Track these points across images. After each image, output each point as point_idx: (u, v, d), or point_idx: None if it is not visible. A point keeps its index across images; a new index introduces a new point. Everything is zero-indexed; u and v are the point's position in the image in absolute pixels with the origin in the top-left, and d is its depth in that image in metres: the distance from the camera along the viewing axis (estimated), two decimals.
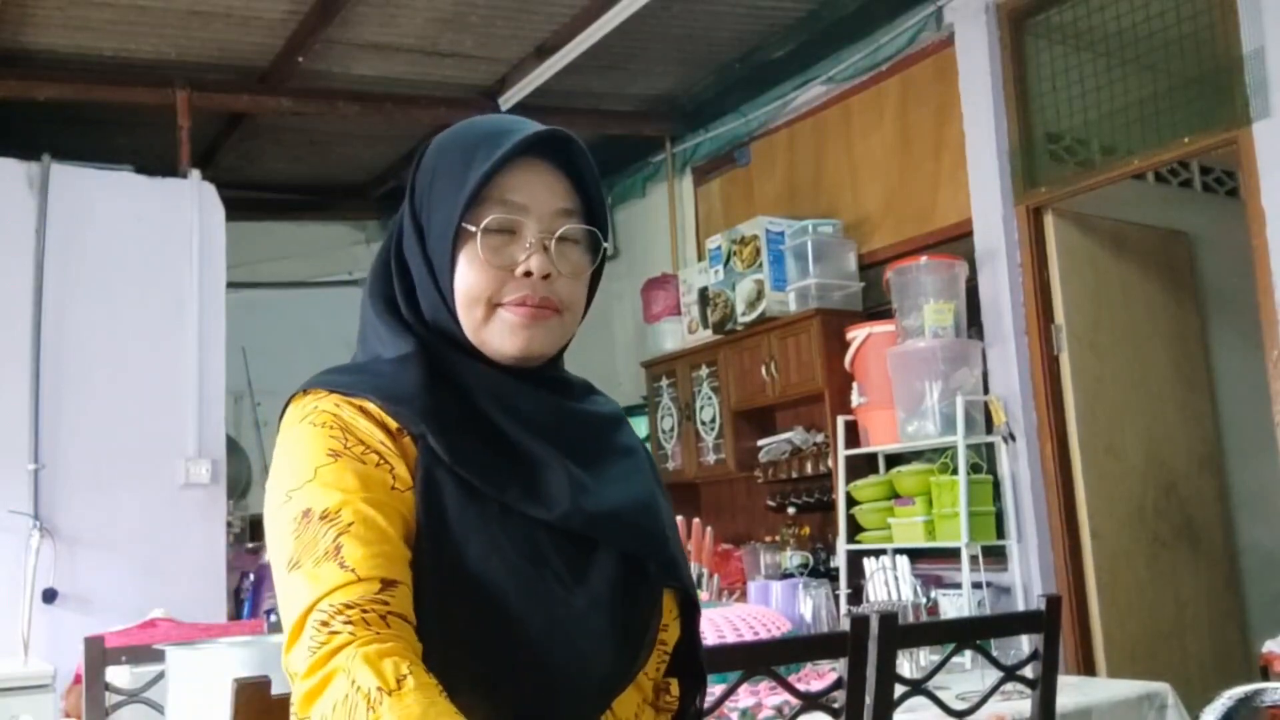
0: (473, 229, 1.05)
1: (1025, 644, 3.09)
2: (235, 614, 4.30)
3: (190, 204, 4.33)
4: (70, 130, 4.76)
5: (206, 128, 5.05)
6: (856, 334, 4.33)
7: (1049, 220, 4.03)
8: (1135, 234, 4.35)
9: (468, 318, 1.07)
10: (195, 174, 4.40)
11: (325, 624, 0.90)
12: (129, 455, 4.09)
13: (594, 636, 1.00)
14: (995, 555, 3.95)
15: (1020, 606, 3.83)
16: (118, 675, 2.30)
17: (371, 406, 1.03)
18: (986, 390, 4.06)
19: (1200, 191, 4.91)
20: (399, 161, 5.86)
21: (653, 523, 1.10)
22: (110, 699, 2.24)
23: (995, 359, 4.06)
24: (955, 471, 3.90)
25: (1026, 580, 3.90)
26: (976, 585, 3.80)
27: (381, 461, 1.00)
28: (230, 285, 4.42)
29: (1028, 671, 2.05)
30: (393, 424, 1.02)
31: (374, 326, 1.12)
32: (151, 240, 4.27)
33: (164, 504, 4.13)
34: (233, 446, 4.66)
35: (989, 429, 4.00)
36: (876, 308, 4.47)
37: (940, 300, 4.01)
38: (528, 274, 1.06)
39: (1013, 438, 3.96)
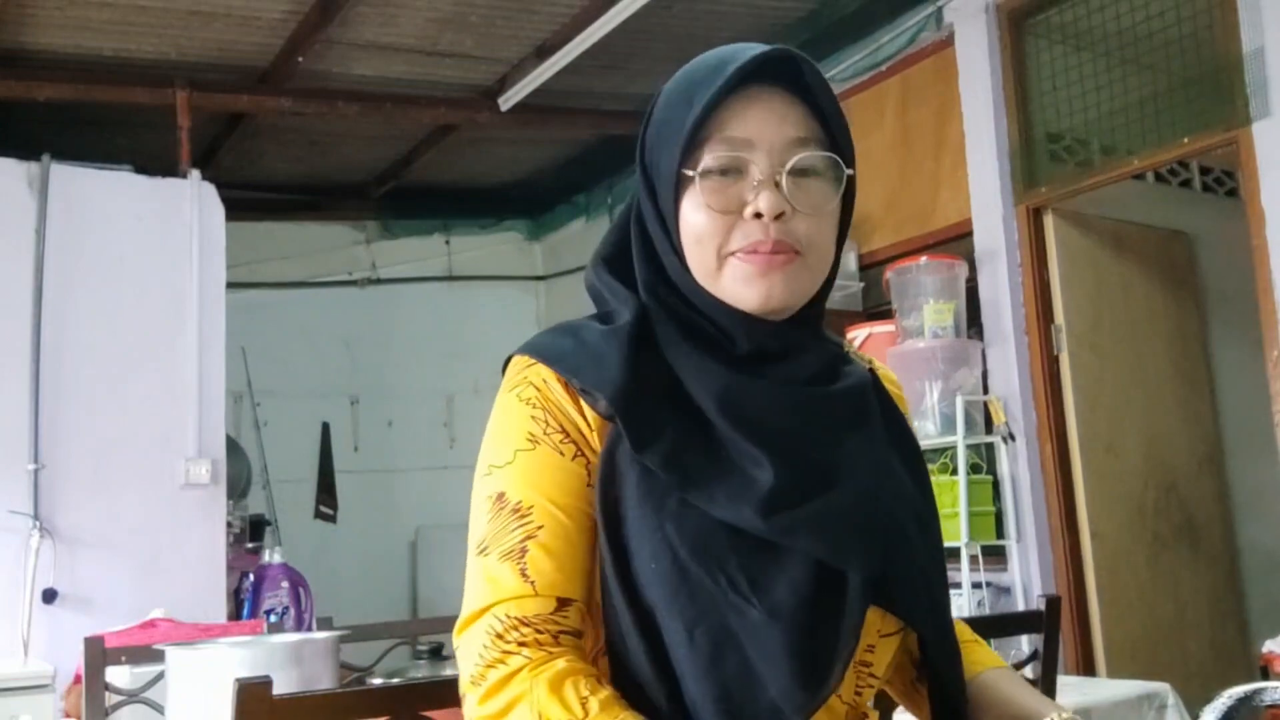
0: (690, 173, 0.96)
1: (1025, 644, 3.09)
2: (235, 614, 4.29)
3: (190, 204, 4.33)
4: (70, 130, 4.76)
5: (206, 128, 5.05)
6: (856, 334, 4.33)
7: (1049, 220, 4.03)
8: (1135, 234, 4.35)
9: (700, 270, 0.98)
10: (195, 174, 4.40)
11: (500, 637, 0.91)
12: (129, 455, 4.09)
13: (770, 655, 0.88)
14: (995, 555, 3.95)
15: (1020, 606, 3.83)
16: (118, 675, 2.29)
17: (573, 390, 0.98)
18: (986, 390, 4.06)
19: (1200, 191, 4.91)
20: (399, 161, 5.86)
21: (862, 526, 0.94)
22: (110, 699, 2.24)
23: (995, 359, 4.06)
24: (955, 471, 3.90)
25: (1026, 580, 3.90)
26: (976, 585, 3.80)
27: (579, 453, 0.96)
28: (230, 285, 4.42)
29: (1028, 671, 2.05)
30: (588, 411, 0.98)
31: (601, 288, 1.05)
32: (151, 240, 4.27)
33: (164, 504, 4.13)
34: (233, 446, 4.66)
35: (989, 429, 3.99)
36: (876, 308, 4.47)
37: (940, 300, 4.01)
38: (758, 215, 0.95)
39: (1012, 438, 3.96)
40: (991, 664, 1.10)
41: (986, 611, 3.79)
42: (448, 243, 6.56)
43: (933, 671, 1.00)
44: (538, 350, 1.01)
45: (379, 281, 6.44)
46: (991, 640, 2.59)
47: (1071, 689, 2.62)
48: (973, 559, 3.80)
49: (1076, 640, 3.83)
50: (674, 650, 0.90)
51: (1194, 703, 2.81)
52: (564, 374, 0.97)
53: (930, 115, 4.37)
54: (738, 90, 0.96)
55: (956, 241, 4.21)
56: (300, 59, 4.53)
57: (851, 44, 4.61)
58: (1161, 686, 2.69)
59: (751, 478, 0.92)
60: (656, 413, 0.94)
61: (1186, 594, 4.16)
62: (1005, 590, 3.97)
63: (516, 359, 1.02)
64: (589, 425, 0.97)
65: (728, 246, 0.96)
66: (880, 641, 0.97)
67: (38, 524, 3.89)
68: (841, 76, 4.69)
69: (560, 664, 0.90)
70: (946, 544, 3.87)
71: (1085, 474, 3.93)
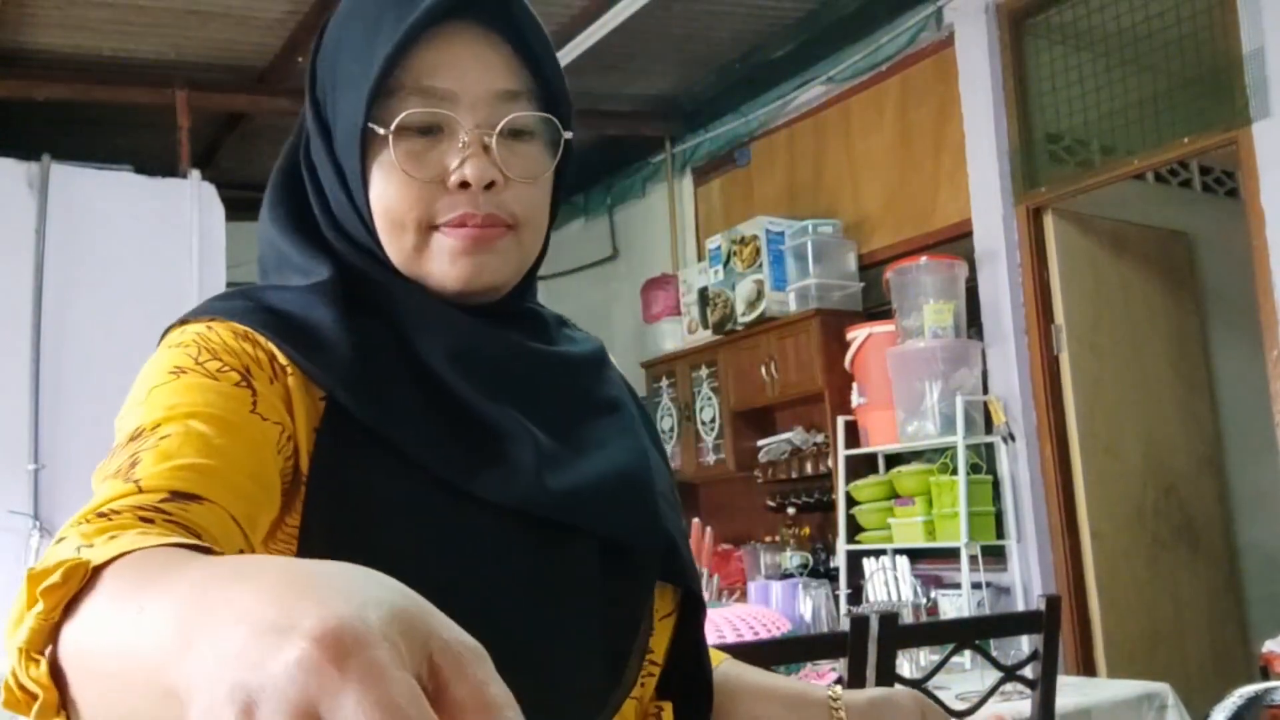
0: (382, 131, 0.79)
1: (1025, 644, 3.09)
2: None
3: (190, 204, 4.33)
4: (70, 130, 4.76)
5: (206, 128, 5.05)
6: (856, 334, 4.33)
7: (1049, 220, 4.03)
8: (1135, 234, 4.35)
9: (395, 245, 0.81)
10: (195, 174, 4.40)
11: (60, 540, 0.59)
12: None
13: (567, 654, 0.77)
14: (995, 555, 3.95)
15: (1020, 606, 3.83)
16: None
17: (261, 339, 0.77)
18: (986, 390, 4.06)
19: (1200, 191, 4.92)
20: None
21: (640, 496, 0.85)
22: None
23: (995, 359, 4.06)
24: (955, 472, 3.90)
25: (1026, 580, 3.90)
26: (976, 585, 3.80)
27: (243, 382, 0.74)
28: (230, 285, 4.42)
29: (1027, 671, 2.05)
30: (282, 360, 0.76)
31: (277, 248, 0.85)
32: (151, 240, 4.27)
33: None
34: None
35: (989, 429, 3.99)
36: (876, 308, 4.47)
37: (940, 300, 4.01)
38: (464, 185, 0.79)
39: (1012, 438, 3.96)
40: (720, 656, 1.00)
41: (986, 611, 3.78)
42: None
43: (693, 654, 0.90)
44: (212, 313, 0.80)
45: None
46: (991, 640, 2.59)
47: (1071, 689, 2.62)
48: (973, 559, 3.80)
49: (1076, 640, 3.83)
50: None
51: (1194, 703, 2.81)
52: (256, 329, 0.77)
53: (930, 115, 4.37)
54: (435, 29, 0.79)
55: (956, 241, 4.21)
56: (299, 59, 4.52)
57: (851, 44, 4.61)
58: (1161, 686, 2.69)
59: (510, 450, 0.78)
60: (386, 381, 0.78)
61: (1186, 594, 4.16)
62: (1005, 590, 3.97)
63: (180, 325, 0.81)
64: (279, 372, 0.76)
65: (431, 218, 0.80)
66: (659, 624, 0.86)
67: (38, 524, 3.89)
68: (841, 76, 4.69)
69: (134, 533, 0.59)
70: (946, 544, 3.89)
71: (1085, 474, 3.93)
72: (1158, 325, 4.33)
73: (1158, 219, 4.52)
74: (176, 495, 0.64)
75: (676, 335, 5.29)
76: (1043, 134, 4.03)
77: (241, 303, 0.80)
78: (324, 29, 0.86)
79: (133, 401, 0.75)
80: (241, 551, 0.67)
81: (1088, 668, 3.82)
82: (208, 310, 0.80)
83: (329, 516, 0.74)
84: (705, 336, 5.05)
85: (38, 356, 3.98)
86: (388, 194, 0.80)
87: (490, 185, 0.80)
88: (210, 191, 4.39)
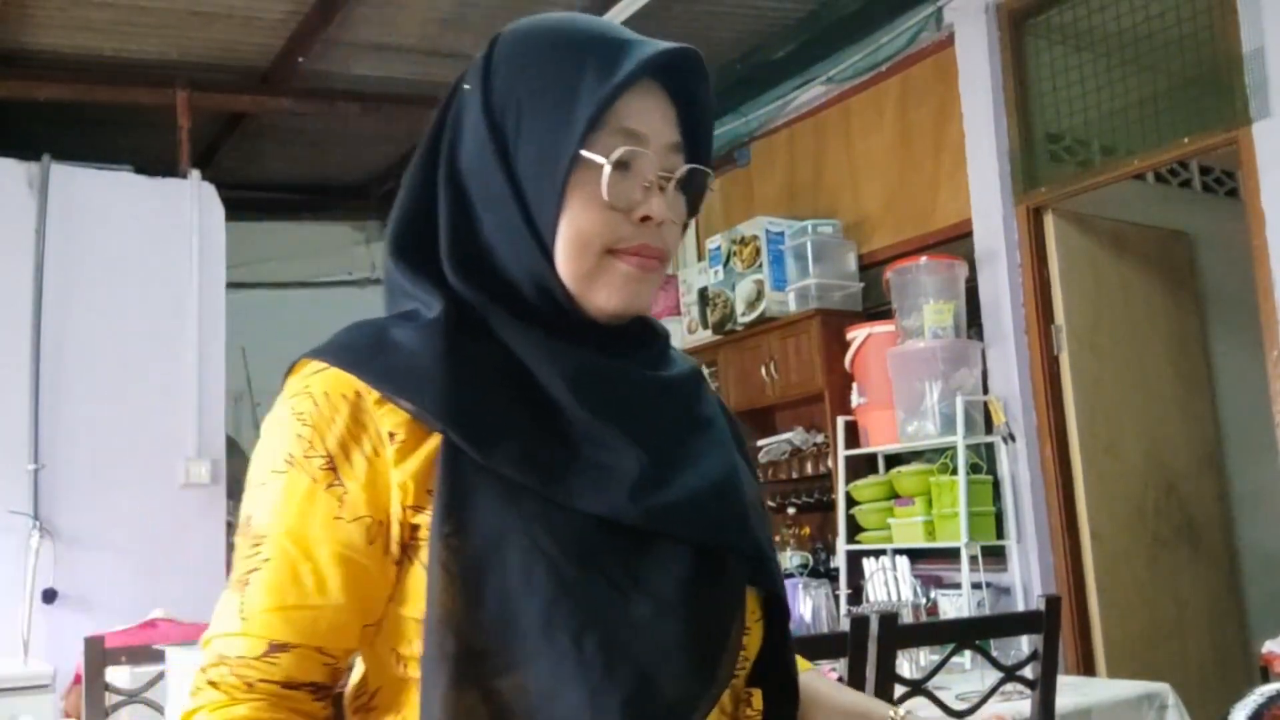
0: (600, 160, 0.88)
1: (1025, 644, 3.09)
2: None
3: (190, 204, 4.33)
4: (70, 130, 4.76)
5: (206, 128, 5.05)
6: (856, 334, 4.33)
7: (1049, 220, 4.03)
8: (1135, 234, 4.35)
9: (573, 265, 0.90)
10: (195, 174, 4.40)
11: (204, 670, 0.87)
12: (129, 455, 4.09)
13: (661, 651, 0.84)
14: (995, 555, 3.95)
15: (1020, 607, 3.83)
16: (118, 675, 2.30)
17: (371, 400, 0.87)
18: (986, 390, 4.06)
19: (1200, 191, 4.91)
20: (399, 161, 5.86)
21: (731, 507, 0.93)
22: (110, 699, 2.24)
23: (995, 359, 4.06)
24: (955, 472, 3.90)
25: (1026, 580, 3.90)
26: (976, 585, 3.80)
27: (335, 482, 0.85)
28: (230, 285, 4.42)
29: (1027, 672, 2.05)
30: (393, 419, 0.86)
31: (400, 283, 0.95)
32: (151, 240, 4.27)
33: (164, 504, 4.13)
34: (233, 446, 4.66)
35: (989, 429, 3.99)
36: (876, 308, 4.47)
37: (940, 300, 4.01)
38: (646, 218, 0.91)
39: (1012, 438, 3.96)
40: (805, 665, 1.09)
41: (986, 611, 3.78)
42: None
43: (783, 658, 0.99)
44: (335, 353, 0.90)
45: (379, 281, 6.39)
46: (991, 640, 2.59)
47: (1071, 689, 2.62)
48: (973, 559, 3.80)
49: (1076, 640, 3.83)
50: (558, 667, 0.81)
51: (1194, 703, 2.81)
52: (370, 381, 0.87)
53: (930, 115, 4.37)
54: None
55: (956, 241, 4.21)
56: (301, 59, 4.53)
57: (851, 44, 4.61)
58: (1161, 686, 2.69)
59: (613, 465, 0.87)
60: (495, 409, 0.87)
61: (1186, 594, 4.16)
62: (1005, 590, 3.96)
63: (306, 363, 0.91)
64: (380, 441, 0.86)
65: (610, 244, 0.91)
66: (754, 625, 0.95)
67: (38, 524, 3.89)
68: (841, 76, 4.69)
69: (238, 710, 0.84)
70: (946, 544, 3.89)
71: (1085, 474, 3.93)
72: (1158, 325, 4.33)
73: (1158, 219, 4.52)
74: (274, 647, 0.85)
75: (676, 335, 5.29)
76: (1043, 134, 4.03)
77: (363, 340, 0.91)
78: (491, 54, 0.94)
79: (256, 471, 0.89)
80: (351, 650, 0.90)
81: (1088, 668, 3.82)
82: (333, 350, 0.90)
83: (452, 542, 0.84)
84: (705, 336, 5.05)
85: (38, 356, 3.98)
86: (585, 217, 0.90)
87: (662, 222, 0.92)
88: (210, 191, 4.40)
